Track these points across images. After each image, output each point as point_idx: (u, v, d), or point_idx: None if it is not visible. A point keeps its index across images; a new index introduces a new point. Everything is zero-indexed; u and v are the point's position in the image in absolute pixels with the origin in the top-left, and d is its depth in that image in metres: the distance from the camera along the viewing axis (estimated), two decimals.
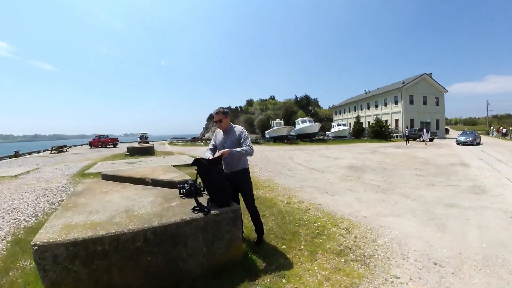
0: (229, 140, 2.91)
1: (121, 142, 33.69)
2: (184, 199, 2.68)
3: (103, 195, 3.03)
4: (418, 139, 26.67)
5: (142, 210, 2.36)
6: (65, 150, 24.95)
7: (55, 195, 6.33)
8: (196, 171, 2.56)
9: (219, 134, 3.09)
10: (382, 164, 10.79)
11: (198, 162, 2.55)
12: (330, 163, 11.23)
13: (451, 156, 13.39)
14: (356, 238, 3.55)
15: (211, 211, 2.31)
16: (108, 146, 29.38)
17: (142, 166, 9.61)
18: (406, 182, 7.15)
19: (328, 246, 3.28)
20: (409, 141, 23.77)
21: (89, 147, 29.87)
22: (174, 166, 9.68)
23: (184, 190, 2.74)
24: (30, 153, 23.30)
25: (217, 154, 2.67)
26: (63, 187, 7.52)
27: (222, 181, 2.50)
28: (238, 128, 3.02)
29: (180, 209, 2.37)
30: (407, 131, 24.34)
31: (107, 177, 4.97)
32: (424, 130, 23.98)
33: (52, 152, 22.99)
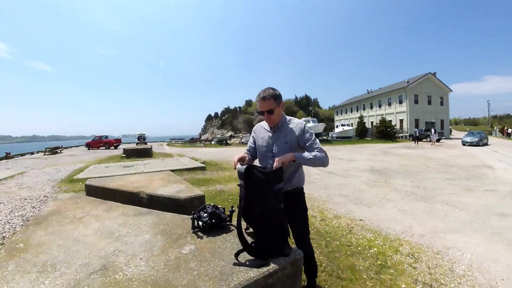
0: (282, 141, 1.80)
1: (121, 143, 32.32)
2: (201, 237, 1.64)
3: (75, 225, 2.00)
4: (424, 140, 25.83)
5: (131, 268, 1.31)
6: (59, 151, 23.77)
7: (34, 207, 5.29)
8: (241, 188, 1.53)
9: (261, 130, 1.96)
10: (404, 166, 9.85)
11: (249, 173, 1.48)
12: (346, 166, 10.24)
13: (468, 157, 12.69)
14: (429, 268, 2.76)
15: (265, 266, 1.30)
16: (111, 147, 27.76)
17: (139, 171, 8.55)
18: (442, 188, 6.40)
19: (403, 286, 2.40)
20: (418, 142, 23.03)
21: (87, 148, 27.43)
22: (175, 171, 8.61)
23: (201, 223, 1.69)
24: (22, 155, 22.18)
25: (275, 163, 1.54)
26: (45, 196, 6.49)
27: (280, 212, 1.45)
28: (297, 123, 1.87)
29: (200, 266, 1.30)
30: (417, 132, 23.65)
31: (91, 190, 3.94)
32: (432, 131, 23.18)
33: (46, 153, 21.82)
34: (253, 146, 2.01)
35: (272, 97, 1.73)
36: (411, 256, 2.97)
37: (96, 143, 27.88)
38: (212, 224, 1.65)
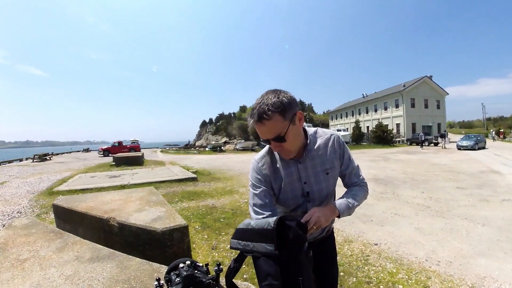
0: (319, 173, 1.13)
1: None
2: None
3: (12, 274, 1.41)
4: (424, 144, 25.62)
5: None
6: (48, 158, 22.89)
7: (4, 226, 4.63)
8: (261, 259, 0.82)
9: (276, 169, 1.13)
10: (409, 174, 9.33)
11: (284, 231, 0.80)
12: None
13: (472, 162, 12.24)
14: None
15: None
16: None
17: (124, 182, 7.90)
18: (455, 199, 5.88)
19: None
20: (423, 146, 23.02)
21: (102, 155, 25.19)
22: (164, 182, 7.95)
23: None
24: (10, 162, 21.22)
25: (305, 217, 0.94)
26: (18, 212, 5.82)
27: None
28: (327, 136, 1.18)
29: None
30: (423, 136, 23.63)
31: (59, 211, 3.33)
32: (444, 134, 23.44)
33: (34, 160, 20.94)
34: (268, 201, 1.09)
35: (276, 111, 0.94)
36: None
37: (118, 148, 26.09)
38: None
